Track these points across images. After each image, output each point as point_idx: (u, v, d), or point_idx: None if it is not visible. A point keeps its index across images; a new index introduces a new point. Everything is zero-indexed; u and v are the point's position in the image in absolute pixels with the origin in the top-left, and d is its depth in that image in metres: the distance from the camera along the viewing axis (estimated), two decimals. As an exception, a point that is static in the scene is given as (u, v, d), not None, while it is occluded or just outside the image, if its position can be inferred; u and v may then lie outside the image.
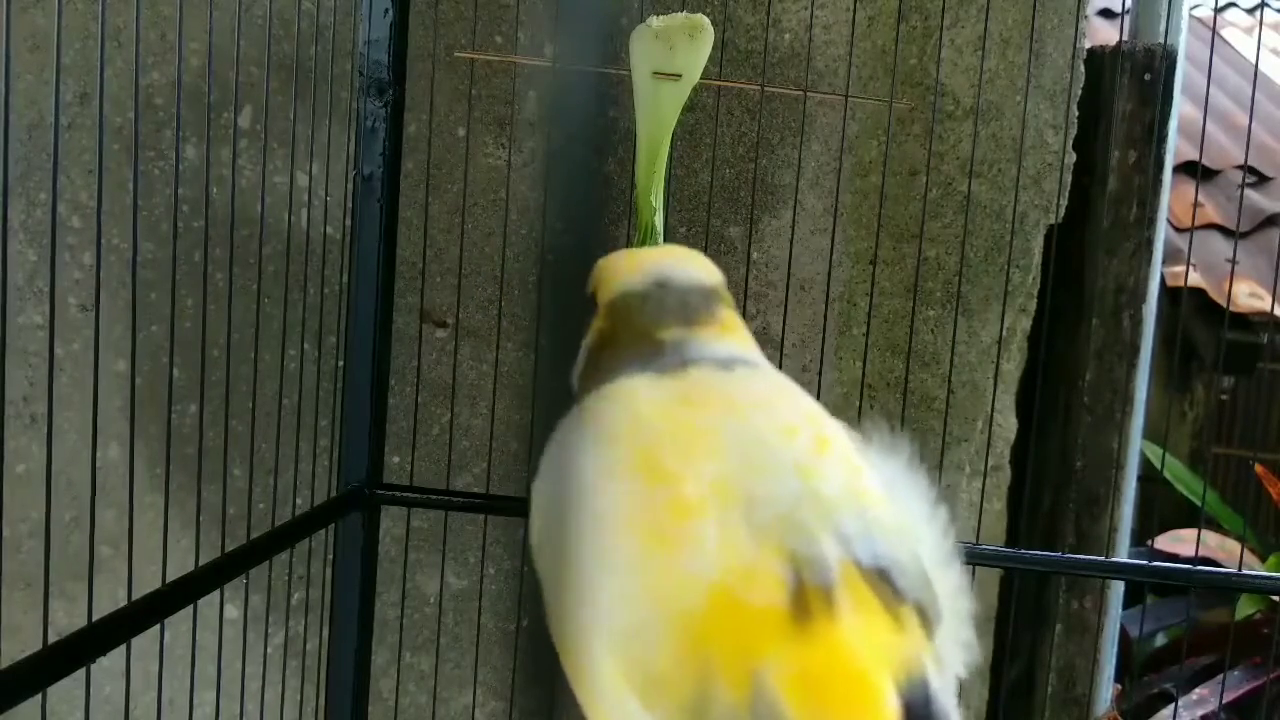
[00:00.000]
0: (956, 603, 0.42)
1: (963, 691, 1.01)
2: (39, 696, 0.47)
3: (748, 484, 0.37)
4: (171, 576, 0.58)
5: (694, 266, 0.49)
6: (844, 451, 0.42)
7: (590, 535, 0.37)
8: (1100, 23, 2.27)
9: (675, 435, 0.40)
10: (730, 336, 0.46)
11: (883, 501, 0.40)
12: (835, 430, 0.43)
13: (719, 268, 0.50)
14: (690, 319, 0.45)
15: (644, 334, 0.45)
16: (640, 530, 0.37)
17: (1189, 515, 1.76)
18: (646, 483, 0.38)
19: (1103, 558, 0.96)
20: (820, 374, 0.96)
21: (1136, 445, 1.06)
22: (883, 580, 0.36)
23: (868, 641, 0.35)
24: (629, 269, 0.47)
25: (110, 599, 0.54)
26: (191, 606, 0.60)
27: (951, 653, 0.40)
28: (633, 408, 0.41)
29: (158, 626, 0.57)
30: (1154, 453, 1.65)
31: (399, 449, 0.97)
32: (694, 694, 0.33)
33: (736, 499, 0.37)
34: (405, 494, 0.85)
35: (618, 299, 0.47)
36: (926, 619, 0.38)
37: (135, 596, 0.55)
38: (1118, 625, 1.10)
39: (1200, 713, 1.22)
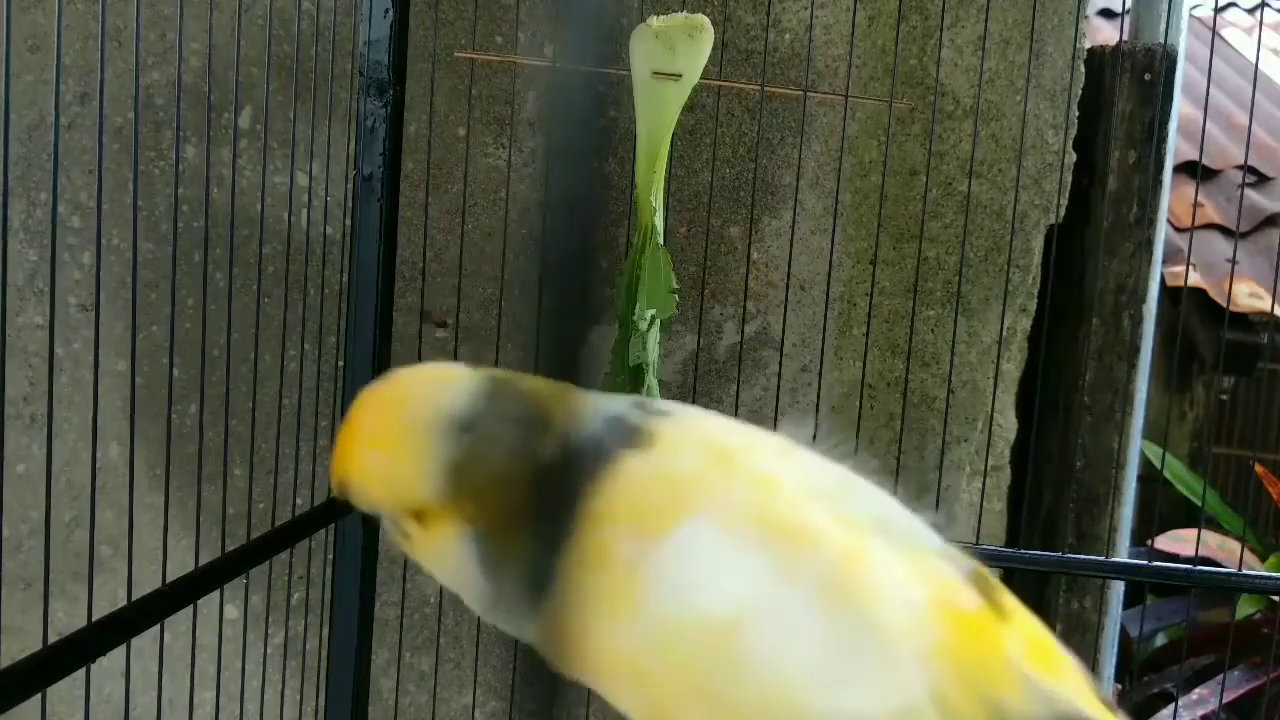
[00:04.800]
0: None
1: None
2: (39, 696, 0.47)
3: (848, 510, 0.37)
4: (171, 576, 0.58)
5: (445, 389, 0.39)
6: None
7: (802, 635, 0.35)
8: (1100, 23, 2.26)
9: (751, 492, 0.37)
10: (580, 402, 0.38)
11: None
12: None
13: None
14: (545, 423, 0.37)
15: (529, 456, 0.36)
16: (836, 594, 0.35)
17: (1189, 515, 1.76)
18: (797, 550, 0.36)
19: (1103, 558, 0.96)
20: (820, 374, 0.96)
21: (1136, 445, 1.06)
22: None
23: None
24: (413, 448, 0.37)
25: (110, 599, 0.54)
26: (191, 606, 0.60)
27: None
28: (694, 494, 0.37)
29: (158, 626, 0.57)
30: (1154, 453, 1.65)
31: (399, 449, 0.97)
32: (982, 707, 0.35)
33: (859, 527, 0.37)
34: (405, 494, 0.85)
35: (460, 478, 0.37)
36: None
37: (135, 596, 0.55)
38: (1118, 625, 1.10)
39: (1200, 713, 1.22)
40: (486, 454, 0.37)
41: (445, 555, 0.38)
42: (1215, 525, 1.68)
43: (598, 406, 0.39)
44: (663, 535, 0.35)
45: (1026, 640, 0.37)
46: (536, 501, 0.34)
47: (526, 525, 0.35)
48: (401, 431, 0.37)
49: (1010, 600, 0.38)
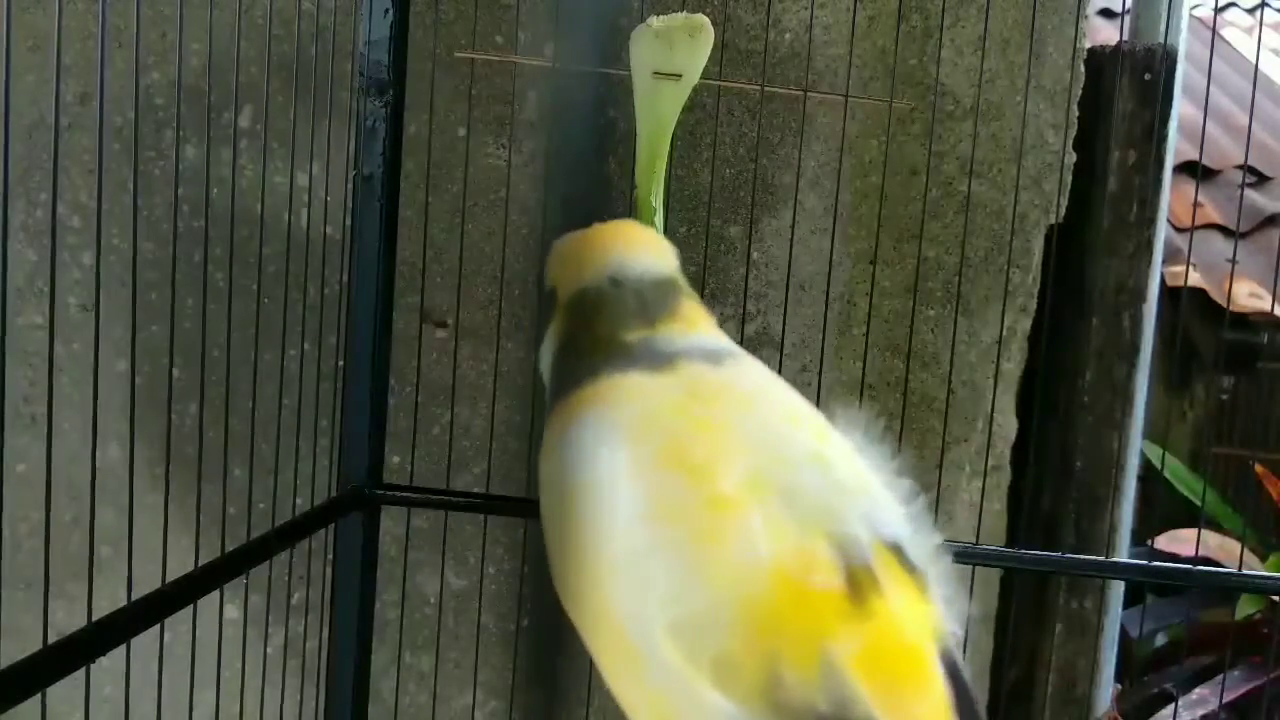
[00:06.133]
0: (934, 566, 0.43)
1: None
2: (39, 696, 0.47)
3: (777, 475, 0.39)
4: (171, 576, 0.58)
5: (648, 255, 0.47)
6: (838, 437, 0.43)
7: (624, 530, 0.38)
8: (1100, 23, 2.26)
9: (695, 429, 0.40)
10: (696, 329, 0.46)
11: (878, 482, 0.42)
12: (820, 415, 0.45)
13: (672, 248, 0.49)
14: (652, 318, 0.45)
15: (608, 338, 0.44)
16: (685, 522, 0.38)
17: (1189, 515, 1.76)
18: (681, 477, 0.39)
19: (1103, 558, 0.96)
20: (820, 374, 0.95)
21: (1136, 445, 1.06)
22: (899, 555, 0.38)
23: (910, 615, 0.37)
24: (582, 264, 0.47)
25: (110, 599, 0.54)
26: (191, 606, 0.60)
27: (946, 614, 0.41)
28: (642, 403, 0.42)
29: (158, 626, 0.57)
30: (1154, 453, 1.65)
31: (399, 449, 0.97)
32: (764, 674, 0.35)
33: (771, 489, 0.38)
34: (405, 494, 0.85)
35: (574, 300, 0.46)
36: (928, 587, 0.40)
37: (135, 596, 0.55)
38: (1118, 625, 1.10)
39: (1200, 713, 1.22)
40: (604, 299, 0.45)
41: (554, 326, 0.47)
42: (1215, 525, 1.67)
43: (690, 335, 0.45)
44: (573, 422, 0.41)
45: (875, 642, 0.35)
46: (571, 360, 0.44)
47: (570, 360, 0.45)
48: (593, 249, 0.47)
49: (895, 606, 0.36)
